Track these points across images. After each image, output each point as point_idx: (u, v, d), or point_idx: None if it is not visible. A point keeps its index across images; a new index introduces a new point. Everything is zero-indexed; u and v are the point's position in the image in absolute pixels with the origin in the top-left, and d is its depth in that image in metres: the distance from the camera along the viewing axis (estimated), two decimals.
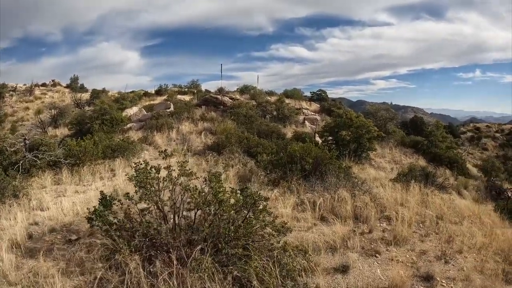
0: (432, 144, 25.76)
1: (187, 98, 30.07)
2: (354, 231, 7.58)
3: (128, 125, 20.37)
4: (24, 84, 39.46)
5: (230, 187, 5.76)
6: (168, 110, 22.85)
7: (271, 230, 5.45)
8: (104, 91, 37.51)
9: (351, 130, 19.78)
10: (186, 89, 37.53)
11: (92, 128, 17.93)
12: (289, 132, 22.48)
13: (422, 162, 22.76)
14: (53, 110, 26.23)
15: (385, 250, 6.88)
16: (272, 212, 5.78)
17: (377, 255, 6.67)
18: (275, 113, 25.98)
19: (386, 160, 22.22)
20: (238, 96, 28.82)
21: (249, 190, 5.65)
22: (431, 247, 7.21)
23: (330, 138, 20.72)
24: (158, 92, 36.03)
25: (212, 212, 5.16)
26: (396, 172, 16.54)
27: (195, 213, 5.50)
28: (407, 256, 6.73)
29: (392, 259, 6.53)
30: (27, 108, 32.40)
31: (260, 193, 5.56)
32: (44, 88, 40.07)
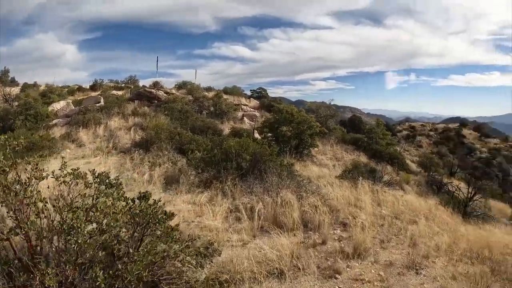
0: (373, 141, 25.36)
1: (122, 93, 27.45)
2: (305, 243, 5.92)
3: (54, 121, 18.38)
4: None
5: (126, 197, 3.68)
6: (97, 105, 20.78)
7: (189, 257, 3.50)
8: (35, 85, 34.10)
9: (292, 126, 18.44)
10: (123, 85, 34.99)
11: (14, 124, 16.32)
12: (226, 128, 20.72)
13: (363, 158, 22.20)
14: None
15: (345, 267, 5.32)
16: (180, 232, 3.87)
17: (337, 275, 5.04)
18: (212, 109, 24.21)
19: (327, 157, 21.01)
20: (174, 91, 26.74)
21: (147, 199, 3.63)
22: (397, 255, 5.96)
23: (270, 134, 19.35)
24: (93, 87, 33.31)
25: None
26: (339, 169, 15.95)
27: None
28: (373, 271, 5.29)
29: (356, 279, 5.03)
30: None
31: (160, 204, 3.61)
32: None
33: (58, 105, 21.69)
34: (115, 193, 3.62)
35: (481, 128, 59.89)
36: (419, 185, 19.23)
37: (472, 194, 14.22)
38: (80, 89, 33.72)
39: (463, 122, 63.64)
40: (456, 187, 16.67)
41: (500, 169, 45.50)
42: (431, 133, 57.71)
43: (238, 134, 16.40)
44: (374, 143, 25.05)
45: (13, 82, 36.52)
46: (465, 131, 57.70)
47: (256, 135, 19.76)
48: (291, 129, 18.19)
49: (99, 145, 13.99)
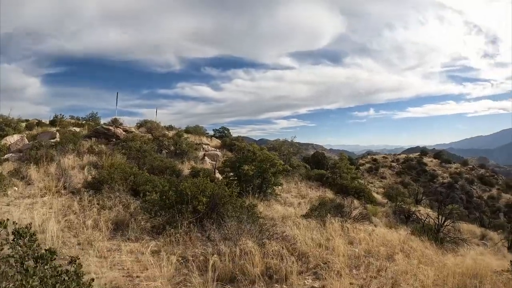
0: (337, 176, 24.98)
1: (79, 130, 25.90)
2: None
3: (6, 156, 16.83)
4: None
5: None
6: (52, 140, 19.36)
7: None
8: (4, 119, 31.86)
9: (255, 164, 17.58)
10: (84, 122, 33.20)
11: None
12: (186, 168, 19.62)
13: (329, 194, 21.63)
14: None
15: None
16: None
17: None
18: (172, 148, 23.04)
19: (292, 195, 20.18)
20: (133, 129, 25.44)
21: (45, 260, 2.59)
22: None
23: (232, 174, 18.37)
24: (53, 123, 31.17)
25: None
26: (305, 207, 15.27)
27: None
28: None
29: None
30: None
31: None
32: None
33: (12, 139, 20.10)
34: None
35: (441, 155, 62.24)
36: (387, 216, 18.82)
37: (442, 220, 13.99)
38: (39, 123, 31.36)
39: (423, 151, 66.06)
40: (426, 214, 16.37)
41: (463, 191, 46.71)
42: (393, 164, 58.97)
43: (197, 175, 15.35)
44: (339, 178, 24.63)
45: None
46: (426, 159, 59.73)
47: (217, 175, 18.84)
48: (253, 168, 17.28)
49: (48, 184, 12.55)
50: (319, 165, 30.53)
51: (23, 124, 29.02)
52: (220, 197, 8.39)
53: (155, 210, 8.34)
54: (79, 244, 6.78)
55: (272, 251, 6.07)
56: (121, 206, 9.91)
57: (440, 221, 13.85)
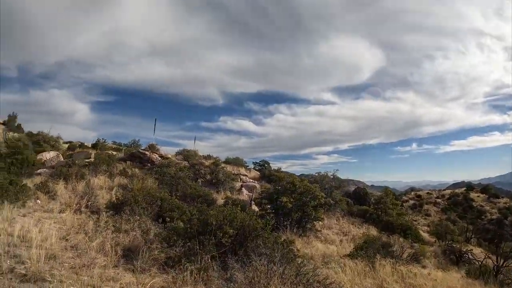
0: (381, 212, 23.17)
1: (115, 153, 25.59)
2: None
3: (39, 170, 17.04)
4: None
5: None
6: (87, 160, 19.46)
7: None
8: (39, 134, 32.74)
9: (294, 197, 16.12)
10: (124, 148, 33.25)
11: None
12: (220, 198, 18.44)
13: (373, 231, 19.95)
14: None
15: None
16: None
17: None
18: (208, 177, 22.18)
19: (334, 231, 18.42)
20: (169, 156, 24.85)
21: None
22: None
23: (269, 206, 17.04)
24: (95, 146, 31.54)
25: None
26: (347, 245, 13.99)
27: None
28: None
29: None
30: None
31: None
32: None
33: (48, 155, 20.41)
34: None
35: (488, 189, 57.73)
36: (436, 256, 16.92)
37: (502, 261, 12.43)
38: (81, 145, 32.01)
39: (469, 186, 61.62)
40: (482, 254, 14.56)
41: None
42: (438, 200, 55.72)
43: (232, 205, 14.08)
44: (383, 214, 22.84)
45: (19, 128, 35.83)
46: (473, 194, 55.69)
47: (254, 207, 17.63)
48: (292, 200, 15.85)
49: (69, 201, 11.76)
50: (360, 201, 28.91)
51: (65, 145, 29.79)
52: (251, 229, 7.01)
53: (173, 239, 7.03)
54: (73, 267, 5.57)
55: None
56: (139, 231, 8.68)
57: (498, 262, 12.39)
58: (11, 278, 4.75)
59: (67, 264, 5.71)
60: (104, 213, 10.23)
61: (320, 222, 17.90)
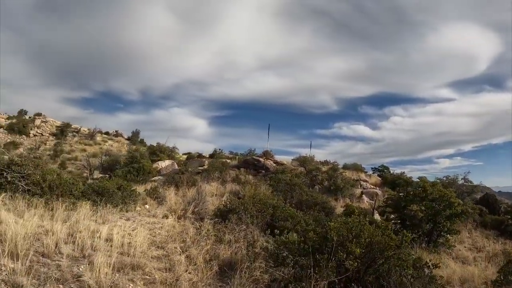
0: None
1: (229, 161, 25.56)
2: None
3: (155, 178, 18.70)
4: (88, 129, 39.20)
5: None
6: (200, 168, 20.34)
7: None
8: (156, 145, 35.36)
9: (425, 204, 13.48)
10: (239, 156, 33.52)
11: (115, 173, 17.35)
12: (339, 206, 16.55)
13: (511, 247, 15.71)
14: (103, 157, 25.41)
15: None
16: None
17: None
18: (326, 183, 20.50)
19: (465, 247, 15.12)
20: (284, 162, 23.72)
21: None
22: None
23: (394, 215, 14.82)
24: (212, 156, 32.38)
25: None
26: (485, 264, 11.20)
27: None
28: None
29: None
30: (84, 150, 31.45)
31: None
32: (107, 136, 39.67)
33: (163, 164, 21.97)
34: None
35: None
36: None
37: None
38: (199, 156, 33.51)
39: None
40: None
41: None
42: None
43: (352, 214, 12.12)
44: None
45: (142, 143, 40.16)
46: None
47: (377, 216, 15.47)
48: (423, 209, 13.30)
49: (176, 207, 11.57)
50: (489, 210, 24.24)
51: (184, 156, 32.61)
52: (381, 247, 5.16)
53: (282, 256, 5.50)
54: (152, 282, 4.41)
55: None
56: (244, 243, 7.36)
57: None
58: None
59: (148, 277, 4.61)
60: (208, 220, 9.28)
61: (455, 235, 14.79)
